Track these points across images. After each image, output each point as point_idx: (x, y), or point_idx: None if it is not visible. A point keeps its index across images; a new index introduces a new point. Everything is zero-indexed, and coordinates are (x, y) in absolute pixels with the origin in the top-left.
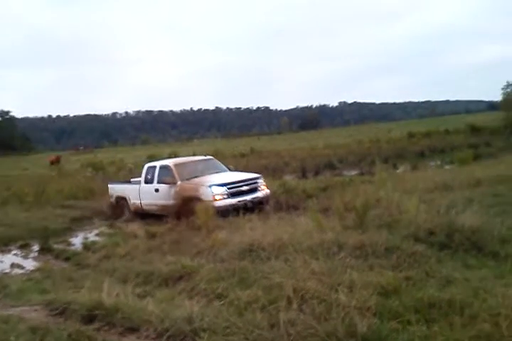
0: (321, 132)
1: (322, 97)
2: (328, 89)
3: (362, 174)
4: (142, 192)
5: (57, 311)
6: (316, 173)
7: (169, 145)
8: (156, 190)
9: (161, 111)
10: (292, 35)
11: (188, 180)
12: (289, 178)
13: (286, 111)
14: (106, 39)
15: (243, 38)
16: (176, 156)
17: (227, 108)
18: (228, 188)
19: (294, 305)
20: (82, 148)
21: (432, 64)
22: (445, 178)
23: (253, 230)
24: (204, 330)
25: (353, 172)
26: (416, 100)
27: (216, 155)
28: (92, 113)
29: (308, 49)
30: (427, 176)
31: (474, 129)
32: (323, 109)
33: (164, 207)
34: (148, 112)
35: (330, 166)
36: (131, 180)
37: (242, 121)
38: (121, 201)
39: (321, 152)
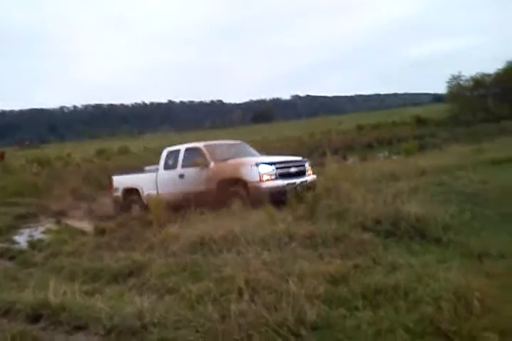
0: (274, 125)
1: (275, 91)
2: (281, 82)
3: (312, 165)
4: (160, 181)
5: (0, 312)
6: None
7: (120, 139)
8: (181, 176)
9: (111, 105)
10: (246, 30)
11: (222, 161)
12: None
13: (239, 104)
14: (52, 32)
15: (197, 32)
16: (127, 151)
17: (180, 101)
18: (276, 168)
19: (246, 296)
20: (27, 143)
21: (381, 58)
22: (392, 168)
23: (205, 223)
24: (154, 325)
25: None
26: (366, 93)
27: None
28: (38, 107)
29: (261, 43)
30: (375, 167)
31: (420, 121)
32: (276, 102)
33: (193, 194)
34: (98, 106)
35: None
36: (146, 168)
37: (195, 114)
38: (131, 194)
39: (274, 145)
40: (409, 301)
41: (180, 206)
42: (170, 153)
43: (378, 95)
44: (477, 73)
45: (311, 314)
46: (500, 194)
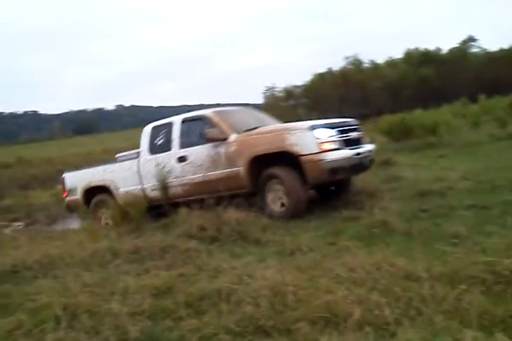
0: (99, 136)
1: (98, 101)
2: (104, 92)
3: None
4: (146, 170)
5: None
6: None
7: None
8: (182, 160)
9: None
10: (63, 37)
11: (248, 131)
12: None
13: (58, 115)
14: None
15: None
16: None
17: None
18: (339, 132)
19: (63, 324)
20: None
21: (203, 69)
22: None
23: (17, 249)
24: None
25: None
26: (190, 103)
27: None
28: None
29: (80, 51)
30: None
31: None
32: (99, 112)
33: (206, 183)
34: None
35: None
36: (117, 156)
37: (6, 127)
38: (97, 194)
39: (100, 157)
40: (231, 303)
41: (182, 203)
42: (156, 130)
43: (202, 105)
44: (288, 85)
45: (134, 331)
46: None
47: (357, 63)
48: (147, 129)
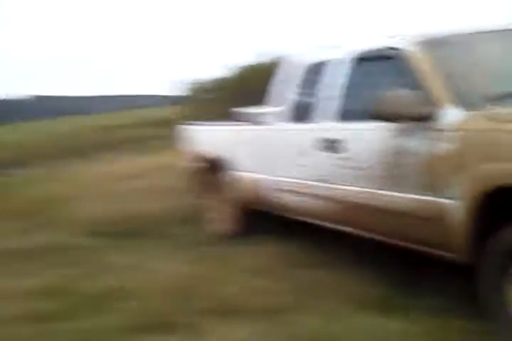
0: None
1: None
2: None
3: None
4: (278, 148)
5: None
6: None
7: None
8: (331, 145)
9: None
10: None
11: (495, 106)
12: None
13: None
14: None
15: None
16: None
17: None
18: None
19: None
20: None
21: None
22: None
23: None
24: None
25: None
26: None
27: None
28: None
29: None
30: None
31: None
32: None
33: (371, 211)
34: None
35: None
36: (241, 111)
37: None
38: (214, 172)
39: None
40: (130, 300)
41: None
42: (309, 74)
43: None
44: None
45: None
46: None
47: None
48: (300, 69)
